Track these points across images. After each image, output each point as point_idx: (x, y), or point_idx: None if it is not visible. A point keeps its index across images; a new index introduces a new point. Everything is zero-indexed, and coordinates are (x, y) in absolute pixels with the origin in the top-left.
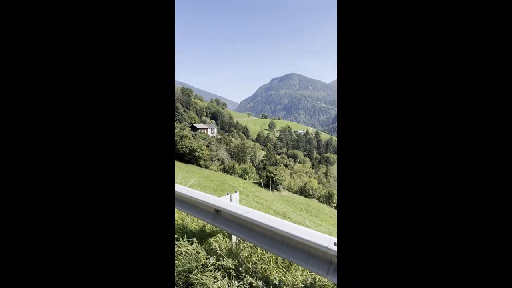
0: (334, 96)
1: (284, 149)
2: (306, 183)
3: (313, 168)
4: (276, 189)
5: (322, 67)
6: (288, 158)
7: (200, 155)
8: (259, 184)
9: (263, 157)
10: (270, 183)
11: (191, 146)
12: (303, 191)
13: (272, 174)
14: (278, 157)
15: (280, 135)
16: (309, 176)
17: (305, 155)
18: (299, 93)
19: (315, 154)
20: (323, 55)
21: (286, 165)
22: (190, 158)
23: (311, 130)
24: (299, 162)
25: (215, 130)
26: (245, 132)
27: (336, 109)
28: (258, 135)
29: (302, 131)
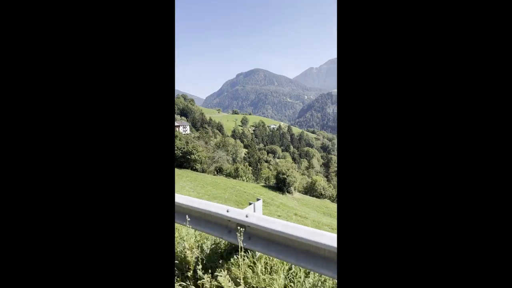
0: (298, 91)
1: (261, 145)
2: (314, 183)
3: (295, 163)
4: (288, 192)
5: (286, 63)
6: (267, 154)
7: (196, 157)
8: (267, 186)
9: (245, 154)
10: (284, 186)
11: (183, 148)
12: (309, 191)
13: (285, 176)
14: (259, 153)
15: (254, 130)
16: (295, 170)
17: (283, 150)
18: (265, 89)
19: (292, 148)
20: (287, 51)
21: (267, 161)
22: (183, 161)
23: (283, 124)
24: (279, 158)
25: (188, 127)
26: (220, 128)
27: (301, 103)
28: (234, 131)
29: (274, 126)
